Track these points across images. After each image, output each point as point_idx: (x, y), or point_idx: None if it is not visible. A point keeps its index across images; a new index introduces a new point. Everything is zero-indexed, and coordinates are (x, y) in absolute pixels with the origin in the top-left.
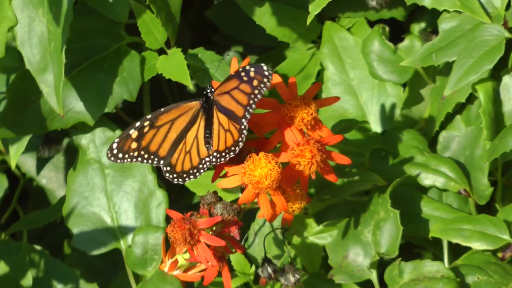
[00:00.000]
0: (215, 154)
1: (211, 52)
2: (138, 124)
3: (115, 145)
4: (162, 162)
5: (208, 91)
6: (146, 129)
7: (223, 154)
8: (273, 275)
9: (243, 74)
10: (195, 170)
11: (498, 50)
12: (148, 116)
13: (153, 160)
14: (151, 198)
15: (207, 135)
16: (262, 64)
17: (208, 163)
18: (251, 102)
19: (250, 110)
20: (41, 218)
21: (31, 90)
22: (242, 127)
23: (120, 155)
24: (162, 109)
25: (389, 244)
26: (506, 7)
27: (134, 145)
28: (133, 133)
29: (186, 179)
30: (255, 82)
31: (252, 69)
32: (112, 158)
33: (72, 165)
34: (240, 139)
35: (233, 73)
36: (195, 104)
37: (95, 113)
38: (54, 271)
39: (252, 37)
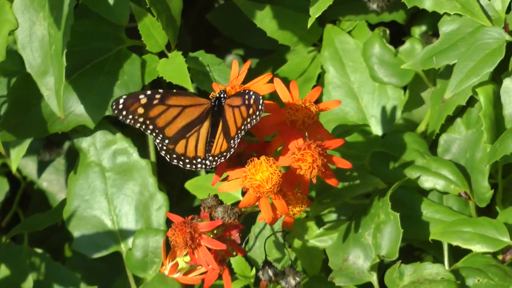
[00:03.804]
0: (210, 158)
1: (212, 55)
2: (149, 92)
3: (121, 101)
4: (166, 141)
5: (222, 96)
6: (155, 102)
7: (216, 159)
8: (273, 278)
9: (246, 96)
10: (186, 160)
11: (498, 53)
12: (160, 90)
13: (157, 134)
14: (152, 201)
15: (211, 144)
16: (261, 96)
17: (202, 166)
18: (242, 127)
19: (240, 134)
20: (42, 221)
21: (32, 94)
22: (231, 144)
23: (124, 113)
24: (174, 91)
25: (390, 246)
26: (507, 10)
27: (141, 110)
28: (143, 98)
29: (174, 160)
30: (251, 110)
31: (253, 96)
32: (116, 112)
33: (73, 168)
34: (232, 145)
35: (241, 91)
36: (205, 102)
37: (96, 116)
38: (55, 274)
39: (253, 40)
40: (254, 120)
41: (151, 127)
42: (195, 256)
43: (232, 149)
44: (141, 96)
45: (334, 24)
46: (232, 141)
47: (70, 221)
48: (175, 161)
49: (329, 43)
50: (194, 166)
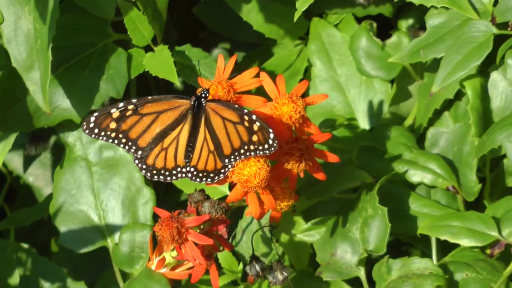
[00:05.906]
0: (192, 170)
1: (198, 49)
2: (121, 105)
3: (92, 119)
4: (140, 153)
5: (202, 95)
6: (129, 113)
7: (200, 175)
8: (261, 273)
9: (246, 118)
10: (167, 173)
11: (486, 46)
12: (133, 100)
13: (130, 147)
14: (138, 196)
15: (189, 148)
16: (271, 130)
17: (182, 175)
18: (242, 151)
19: (238, 158)
20: (28, 216)
21: (17, 88)
22: (226, 166)
23: (96, 131)
24: (150, 97)
25: (377, 241)
26: (494, 3)
27: (113, 125)
28: (115, 112)
29: (155, 176)
30: (255, 138)
31: (258, 123)
32: (87, 131)
33: (59, 162)
34: (223, 171)
35: (235, 105)
36: (185, 103)
37: (82, 110)
38: (41, 269)
39: (239, 34)
40: (261, 152)
41: (124, 140)
42: (182, 251)
43: (226, 171)
44: (113, 110)
45: (320, 17)
46: (227, 160)
47: (56, 216)
48: (155, 177)
49: (316, 37)
50: (175, 177)
